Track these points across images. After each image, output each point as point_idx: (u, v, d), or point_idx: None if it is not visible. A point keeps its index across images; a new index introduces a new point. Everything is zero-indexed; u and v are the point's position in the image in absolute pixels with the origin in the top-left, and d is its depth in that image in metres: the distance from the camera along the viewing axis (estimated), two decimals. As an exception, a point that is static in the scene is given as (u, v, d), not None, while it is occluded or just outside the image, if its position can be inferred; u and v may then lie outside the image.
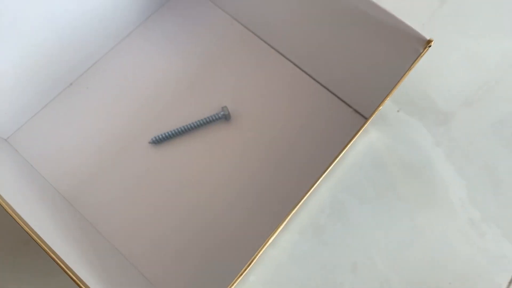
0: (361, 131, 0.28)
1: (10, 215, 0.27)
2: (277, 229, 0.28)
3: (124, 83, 0.44)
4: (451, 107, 0.46)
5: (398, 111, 0.45)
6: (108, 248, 0.37)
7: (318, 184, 0.42)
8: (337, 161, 0.42)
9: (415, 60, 0.29)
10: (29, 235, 0.26)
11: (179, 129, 0.42)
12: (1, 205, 0.27)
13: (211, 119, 0.42)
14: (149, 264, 0.38)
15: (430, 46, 0.30)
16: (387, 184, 0.42)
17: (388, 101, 0.45)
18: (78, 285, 0.25)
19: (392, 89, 0.28)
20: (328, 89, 0.44)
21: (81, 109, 0.43)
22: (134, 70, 0.45)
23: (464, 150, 0.44)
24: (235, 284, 0.27)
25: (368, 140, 0.44)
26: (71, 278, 0.25)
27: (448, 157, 0.43)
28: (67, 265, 0.25)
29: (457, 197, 0.42)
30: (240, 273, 0.27)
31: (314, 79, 0.44)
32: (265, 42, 0.46)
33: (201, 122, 0.42)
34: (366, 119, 0.41)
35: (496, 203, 0.42)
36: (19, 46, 0.37)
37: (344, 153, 0.43)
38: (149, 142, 0.42)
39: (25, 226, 0.26)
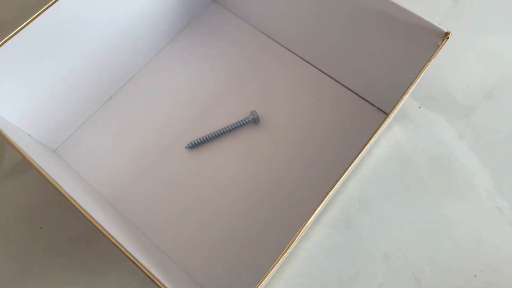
0: (383, 127, 0.30)
1: (80, 212, 0.30)
2: (307, 221, 0.29)
3: (159, 94, 0.48)
4: (471, 101, 0.47)
5: (419, 107, 0.47)
6: (149, 243, 0.40)
7: (346, 180, 0.44)
8: (363, 157, 0.45)
9: (434, 52, 0.31)
10: (98, 229, 0.29)
11: (213, 134, 0.45)
12: (73, 205, 0.30)
13: (241, 123, 0.45)
14: (186, 258, 0.40)
15: (448, 38, 0.32)
16: (413, 177, 0.44)
17: (409, 98, 0.47)
18: (141, 269, 0.27)
19: (413, 80, 0.30)
20: (351, 90, 0.46)
21: (121, 120, 0.47)
22: (168, 82, 0.48)
23: (487, 141, 0.45)
24: (271, 272, 0.28)
25: (392, 136, 0.45)
26: (134, 263, 0.28)
27: (471, 149, 0.45)
28: (130, 253, 0.28)
29: (483, 187, 0.43)
30: (275, 263, 0.28)
31: (337, 81, 0.47)
32: (288, 49, 0.49)
33: (233, 126, 0.45)
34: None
35: (523, 191, 0.43)
36: (66, 68, 0.41)
37: (370, 149, 0.45)
38: (186, 147, 0.45)
39: (94, 222, 0.29)
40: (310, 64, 0.48)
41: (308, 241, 0.41)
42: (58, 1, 0.36)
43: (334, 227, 0.42)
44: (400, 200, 0.43)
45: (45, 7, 0.35)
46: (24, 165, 0.46)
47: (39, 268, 0.41)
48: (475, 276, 0.40)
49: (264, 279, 0.26)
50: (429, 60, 0.31)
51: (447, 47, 0.50)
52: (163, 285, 0.27)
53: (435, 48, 0.32)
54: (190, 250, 0.41)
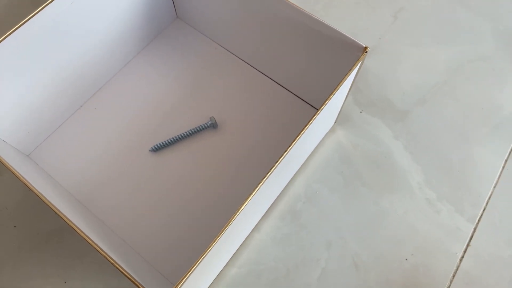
0: (312, 121, 0.35)
1: (52, 209, 0.34)
2: (238, 211, 0.31)
3: (126, 103, 0.52)
4: (406, 106, 0.53)
5: (360, 112, 0.52)
6: (116, 238, 0.44)
7: (294, 177, 0.49)
8: (309, 157, 0.50)
9: (356, 62, 0.37)
10: (68, 224, 0.33)
11: (175, 138, 0.49)
12: (45, 203, 0.34)
13: (201, 128, 0.50)
14: (148, 249, 0.45)
15: (366, 52, 0.37)
16: (353, 174, 0.49)
17: (352, 104, 0.53)
18: (106, 258, 0.31)
19: (337, 85, 0.36)
20: (298, 96, 0.52)
21: (90, 127, 0.51)
22: (134, 91, 0.53)
23: (419, 141, 0.51)
24: (209, 251, 0.31)
25: (335, 138, 0.51)
26: (102, 254, 0.32)
27: (405, 148, 0.50)
28: (98, 245, 0.32)
29: (415, 181, 0.49)
30: (211, 243, 0.31)
31: (286, 89, 0.52)
32: (244, 60, 0.54)
33: (193, 131, 0.50)
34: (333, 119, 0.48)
35: (449, 184, 0.49)
36: (40, 79, 0.45)
37: (315, 149, 0.50)
38: (149, 150, 0.49)
39: (64, 218, 0.33)
40: (263, 74, 0.53)
41: (259, 233, 0.46)
42: (32, 18, 0.40)
43: (283, 219, 0.47)
44: (341, 194, 0.48)
45: (20, 23, 0.40)
46: None
47: (13, 263, 0.45)
48: (406, 259, 0.45)
49: (204, 254, 0.30)
50: (350, 69, 0.36)
51: (386, 58, 0.56)
52: (125, 271, 0.32)
53: (356, 59, 0.38)
54: (149, 242, 0.45)
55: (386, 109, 0.53)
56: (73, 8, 0.43)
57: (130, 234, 0.46)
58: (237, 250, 0.45)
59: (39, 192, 0.36)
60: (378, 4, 0.60)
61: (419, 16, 0.59)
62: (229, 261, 0.45)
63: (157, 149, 0.49)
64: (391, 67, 0.55)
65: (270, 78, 0.53)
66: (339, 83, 0.36)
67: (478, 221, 0.47)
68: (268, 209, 0.47)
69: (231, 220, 0.31)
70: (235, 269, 0.45)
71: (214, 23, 0.53)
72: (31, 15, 0.40)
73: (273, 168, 0.33)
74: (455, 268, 0.45)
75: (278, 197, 0.48)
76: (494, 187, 0.49)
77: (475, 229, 0.46)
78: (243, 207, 0.32)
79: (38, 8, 0.39)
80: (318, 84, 0.47)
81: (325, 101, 0.35)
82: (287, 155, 0.34)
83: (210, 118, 0.50)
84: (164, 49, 0.56)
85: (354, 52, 0.39)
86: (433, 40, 0.57)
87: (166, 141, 0.49)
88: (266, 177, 0.33)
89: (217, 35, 0.55)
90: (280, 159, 0.33)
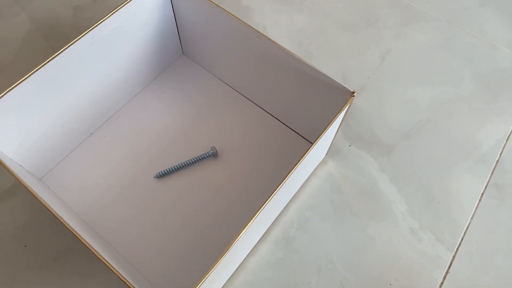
0: (307, 155, 0.39)
1: (66, 227, 0.37)
2: (243, 230, 0.36)
3: (134, 132, 0.56)
4: (392, 141, 0.58)
5: (350, 145, 0.57)
6: (121, 258, 0.47)
7: (287, 204, 0.53)
8: (302, 186, 0.54)
9: (345, 104, 0.41)
10: (81, 241, 0.36)
11: (178, 166, 0.53)
12: (60, 221, 0.37)
13: (202, 157, 0.54)
14: (151, 270, 0.48)
15: (354, 95, 0.42)
16: (343, 203, 0.53)
17: (341, 138, 0.57)
18: (117, 275, 0.35)
19: (329, 123, 0.40)
20: (292, 129, 0.56)
21: (100, 154, 0.55)
22: (141, 121, 0.57)
23: (403, 174, 0.55)
24: (209, 275, 0.34)
25: (326, 169, 0.55)
26: (114, 272, 0.35)
27: (391, 180, 0.55)
28: (110, 263, 0.35)
29: (399, 211, 0.53)
30: (213, 266, 0.34)
31: (282, 122, 0.57)
32: (244, 96, 0.59)
33: (195, 159, 0.54)
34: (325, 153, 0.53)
35: (430, 215, 0.53)
36: (54, 110, 0.50)
37: (308, 179, 0.54)
38: (154, 177, 0.53)
39: (78, 236, 0.36)
40: (262, 109, 0.58)
41: (255, 256, 0.50)
42: (55, 59, 0.44)
43: (277, 244, 0.50)
44: (332, 222, 0.52)
45: (38, 67, 0.44)
46: (12, 191, 0.53)
47: (23, 281, 0.48)
48: (390, 284, 0.49)
49: (205, 277, 0.34)
50: (340, 110, 0.41)
51: (374, 96, 0.61)
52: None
53: (345, 101, 0.42)
54: (153, 262, 0.48)
55: (373, 144, 0.57)
56: (92, 47, 0.48)
57: (134, 255, 0.49)
58: (234, 272, 0.49)
59: (55, 211, 0.39)
60: (368, 46, 0.66)
61: (404, 58, 0.65)
62: (226, 282, 0.48)
63: (161, 175, 0.53)
64: (379, 104, 0.60)
65: (267, 112, 0.58)
66: (330, 122, 0.41)
67: (457, 249, 0.51)
68: (264, 234, 0.51)
69: (231, 245, 0.35)
70: (231, 290, 0.48)
71: (217, 61, 0.58)
72: (54, 55, 0.44)
73: (270, 197, 0.37)
74: (435, 293, 0.48)
75: (273, 223, 0.51)
76: (472, 218, 0.53)
77: (454, 257, 0.50)
78: (242, 233, 0.36)
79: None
80: (311, 119, 0.51)
81: (317, 138, 0.40)
82: (282, 185, 0.38)
83: (211, 148, 0.54)
84: (170, 83, 0.61)
85: (343, 95, 0.43)
86: (417, 80, 0.63)
87: (170, 169, 0.53)
88: (263, 206, 0.37)
89: (220, 72, 0.60)
90: (277, 190, 0.37)
